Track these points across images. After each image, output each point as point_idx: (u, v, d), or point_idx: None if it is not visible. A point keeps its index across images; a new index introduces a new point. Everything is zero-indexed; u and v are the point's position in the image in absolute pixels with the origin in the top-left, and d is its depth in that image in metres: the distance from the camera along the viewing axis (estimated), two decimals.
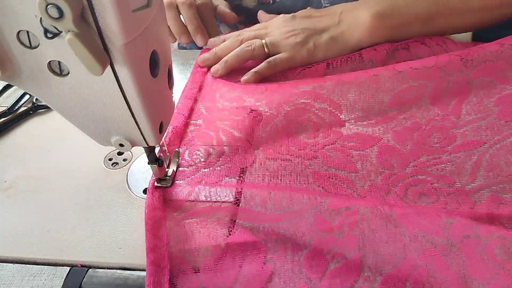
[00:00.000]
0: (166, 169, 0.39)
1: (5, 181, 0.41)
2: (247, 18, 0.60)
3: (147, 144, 0.33)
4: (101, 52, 0.24)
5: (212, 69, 0.51)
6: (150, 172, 0.39)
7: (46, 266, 0.33)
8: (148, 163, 0.36)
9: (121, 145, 0.33)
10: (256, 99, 0.45)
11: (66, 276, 0.33)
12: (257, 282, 0.31)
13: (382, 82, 0.43)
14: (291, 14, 0.51)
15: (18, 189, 0.40)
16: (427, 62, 0.43)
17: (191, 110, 0.46)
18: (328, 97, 0.43)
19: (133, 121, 0.30)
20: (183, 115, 0.45)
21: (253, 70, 0.48)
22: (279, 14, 0.60)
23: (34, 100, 0.51)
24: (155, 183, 0.38)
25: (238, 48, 0.49)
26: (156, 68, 0.30)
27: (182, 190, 0.38)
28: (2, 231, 0.36)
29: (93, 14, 0.23)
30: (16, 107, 0.51)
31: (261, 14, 0.57)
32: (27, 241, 0.35)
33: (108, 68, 0.26)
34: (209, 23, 0.56)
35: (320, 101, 0.43)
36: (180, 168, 0.40)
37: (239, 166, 0.39)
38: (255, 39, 0.49)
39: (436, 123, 0.41)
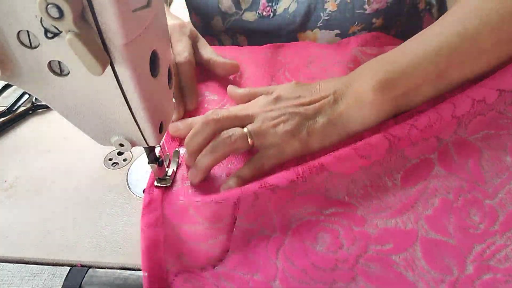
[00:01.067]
0: (166, 169, 0.39)
1: (5, 181, 0.41)
2: (247, 33, 0.58)
3: (147, 144, 0.33)
4: (101, 52, 0.24)
5: (189, 176, 0.39)
6: (150, 172, 0.39)
7: (46, 266, 0.34)
8: (148, 163, 0.36)
9: (121, 145, 0.33)
10: (248, 221, 0.35)
11: (66, 276, 0.33)
12: None
13: (385, 166, 0.36)
14: (275, 94, 0.41)
15: (18, 189, 0.40)
16: (426, 133, 0.36)
17: None
18: (335, 199, 0.36)
19: (133, 121, 0.30)
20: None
21: (236, 174, 0.38)
22: (279, 29, 0.59)
23: (34, 100, 0.51)
24: (155, 183, 0.38)
25: (213, 140, 0.38)
26: (156, 68, 0.30)
27: (182, 189, 0.38)
28: (2, 231, 0.36)
29: (93, 14, 0.23)
30: (16, 107, 0.51)
31: (231, 90, 0.46)
32: (27, 241, 0.35)
33: (108, 68, 0.26)
34: (188, 85, 0.47)
35: (327, 205, 0.35)
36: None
37: None
38: (235, 128, 0.38)
39: (466, 196, 0.34)
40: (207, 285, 0.32)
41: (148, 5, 0.26)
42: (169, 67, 0.33)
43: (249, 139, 0.38)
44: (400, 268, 0.32)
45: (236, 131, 0.38)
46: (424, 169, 0.36)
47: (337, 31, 0.58)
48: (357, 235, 0.33)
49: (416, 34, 0.40)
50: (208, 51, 0.51)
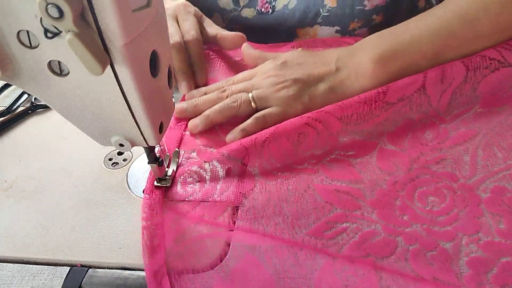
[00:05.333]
0: (166, 169, 0.39)
1: (5, 181, 0.41)
2: (246, 29, 0.59)
3: (147, 144, 0.33)
4: (101, 52, 0.24)
5: (189, 124, 0.44)
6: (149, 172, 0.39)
7: (46, 266, 0.33)
8: (148, 163, 0.36)
9: (121, 145, 0.33)
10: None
11: (66, 276, 0.33)
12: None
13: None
14: (282, 59, 0.45)
15: (18, 189, 0.40)
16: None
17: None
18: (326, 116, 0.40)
19: (133, 121, 0.30)
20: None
21: (240, 127, 0.42)
22: (278, 25, 0.59)
23: (33, 100, 0.51)
24: (155, 183, 0.38)
25: (222, 103, 0.43)
26: (156, 68, 0.30)
27: (182, 189, 0.38)
28: (2, 231, 0.36)
29: (93, 14, 0.23)
30: (15, 107, 0.51)
31: (245, 48, 0.50)
32: (27, 241, 0.35)
33: (108, 68, 0.26)
34: (196, 62, 0.50)
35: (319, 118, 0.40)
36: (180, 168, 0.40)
37: (239, 192, 0.37)
38: (241, 93, 0.43)
39: (426, 120, 0.41)
40: (213, 280, 0.32)
41: (148, 5, 0.26)
42: (169, 67, 0.33)
43: (252, 104, 0.43)
44: (356, 167, 0.39)
45: (242, 96, 0.43)
46: (413, 85, 0.40)
47: (337, 28, 0.58)
48: (330, 141, 0.40)
49: (418, 15, 0.43)
50: (214, 28, 0.53)
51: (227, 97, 0.43)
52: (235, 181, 0.38)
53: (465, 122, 0.41)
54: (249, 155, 0.39)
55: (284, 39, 0.59)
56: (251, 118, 0.42)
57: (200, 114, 0.44)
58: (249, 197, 0.37)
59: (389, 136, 0.41)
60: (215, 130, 0.44)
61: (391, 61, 0.41)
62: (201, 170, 0.39)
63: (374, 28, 0.58)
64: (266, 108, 0.42)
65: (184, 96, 0.48)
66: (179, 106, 0.45)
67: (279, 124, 0.40)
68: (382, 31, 0.44)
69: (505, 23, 0.40)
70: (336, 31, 0.58)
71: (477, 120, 0.41)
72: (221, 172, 0.39)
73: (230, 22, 0.61)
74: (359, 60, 0.42)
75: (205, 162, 0.39)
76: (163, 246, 0.34)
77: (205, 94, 0.46)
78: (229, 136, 0.42)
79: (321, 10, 0.58)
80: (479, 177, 0.37)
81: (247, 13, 0.60)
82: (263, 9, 0.59)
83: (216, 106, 0.43)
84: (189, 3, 0.54)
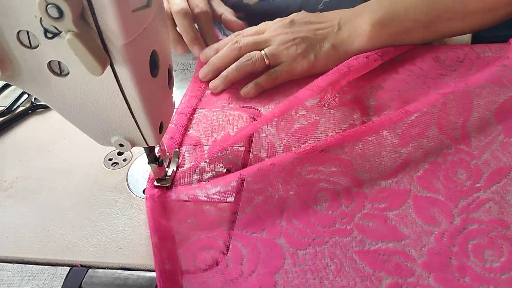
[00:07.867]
0: (166, 169, 0.39)
1: (5, 181, 0.41)
2: (248, 15, 0.59)
3: (147, 144, 0.33)
4: (101, 52, 0.24)
5: (211, 85, 0.48)
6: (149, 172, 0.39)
7: (46, 266, 0.34)
8: (148, 163, 0.36)
9: (121, 145, 0.33)
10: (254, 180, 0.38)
11: (66, 276, 0.33)
12: None
13: (386, 125, 0.39)
14: (289, 19, 0.49)
15: (18, 189, 0.40)
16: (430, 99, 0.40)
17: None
18: (334, 156, 0.38)
19: (133, 121, 0.30)
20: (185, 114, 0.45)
21: (254, 81, 0.47)
22: (280, 12, 0.59)
23: (33, 100, 0.51)
24: (155, 183, 0.38)
25: (238, 61, 0.47)
26: (156, 68, 0.30)
27: (182, 189, 0.38)
28: (2, 231, 0.36)
29: (93, 14, 0.23)
30: (15, 107, 0.51)
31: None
32: (27, 241, 0.35)
33: (108, 68, 0.26)
34: (208, 33, 0.53)
35: (328, 164, 0.38)
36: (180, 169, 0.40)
37: (269, 271, 0.32)
38: (255, 52, 0.47)
39: (453, 158, 0.38)
40: (216, 281, 0.32)
41: (148, 5, 0.26)
42: (169, 67, 0.33)
43: (265, 60, 0.47)
44: (393, 222, 0.35)
45: (256, 54, 0.47)
46: (421, 128, 0.39)
47: None
48: (355, 195, 0.37)
49: None
50: (221, 8, 0.56)
51: (239, 49, 0.47)
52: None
53: (494, 155, 0.38)
54: (268, 228, 0.36)
55: None
56: (264, 74, 0.47)
57: (219, 71, 0.48)
58: (281, 270, 0.32)
59: (420, 180, 0.37)
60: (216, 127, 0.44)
61: (387, 25, 0.46)
62: (201, 170, 0.39)
63: None
64: (278, 63, 0.47)
65: (199, 64, 0.51)
66: (202, 71, 0.49)
67: (296, 189, 0.37)
68: None
69: (491, 5, 0.46)
70: None
71: (506, 150, 0.38)
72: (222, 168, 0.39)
73: (231, 8, 0.61)
74: (359, 22, 0.46)
75: (205, 161, 0.39)
76: (169, 244, 0.34)
77: (217, 49, 0.50)
78: (244, 90, 0.47)
79: None
80: None
81: (249, 0, 0.60)
82: None
83: (233, 66, 0.47)
84: None
